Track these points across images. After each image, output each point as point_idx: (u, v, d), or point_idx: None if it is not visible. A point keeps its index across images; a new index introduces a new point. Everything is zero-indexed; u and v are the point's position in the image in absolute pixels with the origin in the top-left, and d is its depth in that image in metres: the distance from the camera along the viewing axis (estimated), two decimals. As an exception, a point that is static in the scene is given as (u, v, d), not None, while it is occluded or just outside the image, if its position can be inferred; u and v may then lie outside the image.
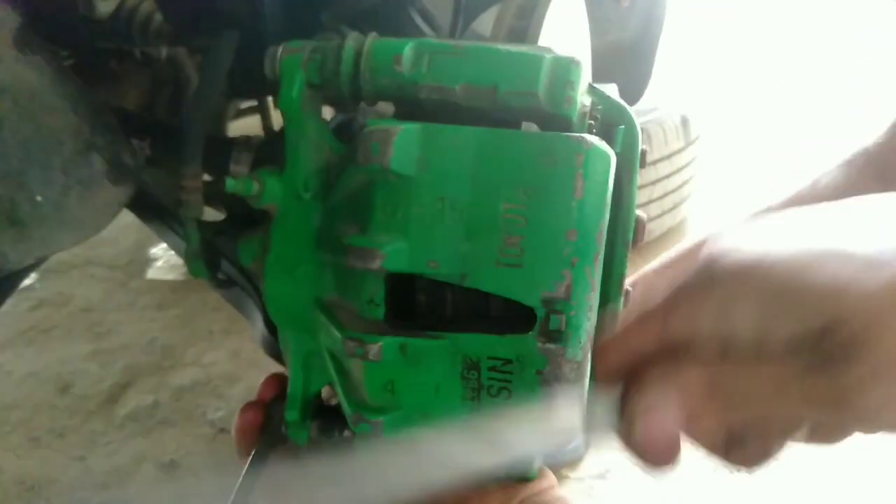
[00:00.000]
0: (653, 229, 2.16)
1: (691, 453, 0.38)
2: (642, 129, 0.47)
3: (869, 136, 0.66)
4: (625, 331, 0.41)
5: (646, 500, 1.49)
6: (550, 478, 0.45)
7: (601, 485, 1.52)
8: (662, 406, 0.37)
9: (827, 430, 0.38)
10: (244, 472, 0.46)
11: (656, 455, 0.37)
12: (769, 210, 0.69)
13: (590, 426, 0.39)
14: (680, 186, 2.20)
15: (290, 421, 0.48)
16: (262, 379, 0.51)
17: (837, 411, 0.33)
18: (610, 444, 0.39)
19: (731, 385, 0.36)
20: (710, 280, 0.36)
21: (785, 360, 0.34)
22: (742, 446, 0.38)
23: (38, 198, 0.42)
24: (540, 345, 0.39)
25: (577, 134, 0.40)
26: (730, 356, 0.35)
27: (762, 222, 0.38)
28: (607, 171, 0.40)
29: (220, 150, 0.58)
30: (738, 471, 0.40)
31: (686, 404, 0.36)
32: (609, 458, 1.57)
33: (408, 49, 0.43)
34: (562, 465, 1.54)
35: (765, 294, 0.34)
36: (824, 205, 0.37)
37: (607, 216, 0.40)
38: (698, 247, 0.72)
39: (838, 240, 0.34)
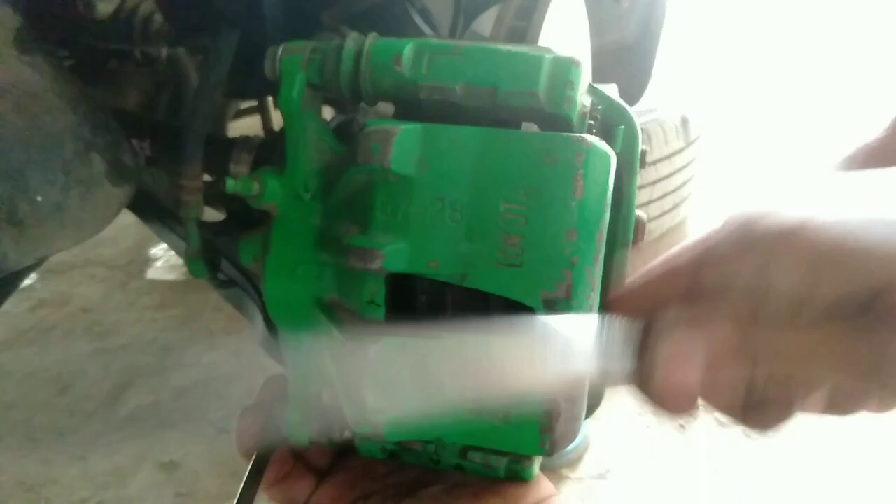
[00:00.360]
0: (653, 229, 2.16)
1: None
2: (642, 130, 0.47)
3: (870, 131, 0.66)
4: (648, 280, 0.41)
5: (645, 500, 1.49)
6: (549, 487, 0.44)
7: (601, 485, 1.52)
8: (687, 352, 0.36)
9: (847, 399, 0.37)
10: (246, 475, 0.46)
11: (675, 402, 0.37)
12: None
13: (604, 369, 0.37)
14: (680, 186, 2.20)
15: (290, 421, 0.47)
16: (262, 379, 0.51)
17: (872, 377, 0.33)
18: (623, 388, 0.38)
19: (762, 342, 0.35)
20: (747, 239, 0.36)
21: (824, 323, 0.33)
22: (760, 407, 0.37)
23: (38, 198, 0.42)
24: (540, 345, 0.39)
25: (578, 134, 0.40)
26: (763, 314, 0.35)
27: (800, 189, 0.37)
28: (607, 172, 0.40)
29: (220, 150, 0.58)
30: (753, 433, 0.40)
31: (711, 355, 0.36)
32: (609, 458, 1.57)
33: (408, 49, 0.43)
34: (562, 464, 1.54)
35: (809, 256, 0.34)
36: (862, 172, 0.37)
37: (607, 216, 0.40)
38: (691, 249, 0.73)
39: (884, 206, 0.34)
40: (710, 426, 1.63)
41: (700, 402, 0.37)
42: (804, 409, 0.37)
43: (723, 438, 1.61)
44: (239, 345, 1.78)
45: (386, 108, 0.47)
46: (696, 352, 0.36)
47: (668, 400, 0.37)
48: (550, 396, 0.39)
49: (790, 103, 3.48)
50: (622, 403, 1.52)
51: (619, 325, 0.38)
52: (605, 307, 0.41)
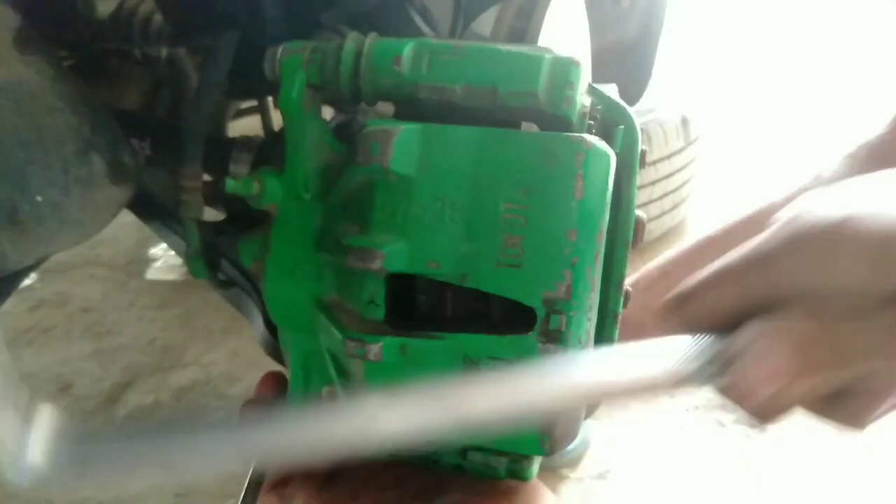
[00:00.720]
0: (653, 229, 2.16)
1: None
2: (642, 130, 0.47)
3: (871, 128, 0.66)
4: (699, 287, 0.41)
5: (645, 500, 1.50)
6: (546, 494, 0.44)
7: (601, 485, 1.52)
8: (775, 358, 0.36)
9: None
10: (248, 479, 0.46)
11: (772, 412, 0.37)
12: (773, 206, 0.69)
13: (682, 378, 0.38)
14: (680, 186, 2.20)
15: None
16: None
17: None
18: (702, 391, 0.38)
19: (836, 339, 0.35)
20: (797, 238, 0.36)
21: (892, 311, 0.34)
22: (844, 403, 0.38)
23: (38, 198, 0.42)
24: (540, 345, 0.39)
25: (577, 134, 0.40)
26: (828, 311, 0.35)
27: (828, 189, 0.38)
28: (607, 172, 0.40)
29: (220, 150, 0.58)
30: (842, 429, 0.40)
31: (801, 361, 0.36)
32: (609, 458, 1.57)
33: (407, 49, 0.43)
34: (562, 464, 1.54)
35: (869, 247, 0.34)
36: (880, 172, 0.37)
37: (607, 216, 0.40)
38: (699, 245, 0.73)
39: None
40: (709, 426, 1.64)
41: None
42: (892, 402, 0.38)
43: (723, 439, 1.61)
44: (239, 345, 1.78)
45: (386, 108, 0.47)
46: (782, 354, 0.36)
47: (767, 412, 0.37)
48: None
49: (790, 103, 3.48)
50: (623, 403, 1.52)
51: (699, 344, 0.38)
52: (657, 318, 0.41)
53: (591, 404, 0.44)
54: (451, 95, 0.42)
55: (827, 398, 0.38)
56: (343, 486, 0.46)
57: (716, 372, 0.38)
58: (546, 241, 0.39)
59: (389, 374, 0.41)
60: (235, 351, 1.77)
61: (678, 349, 0.38)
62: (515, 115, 0.42)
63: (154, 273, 2.17)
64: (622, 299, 0.47)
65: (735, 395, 0.38)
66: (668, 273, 0.71)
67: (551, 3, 0.54)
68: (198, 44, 0.68)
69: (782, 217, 0.38)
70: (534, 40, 0.49)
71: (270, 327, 0.61)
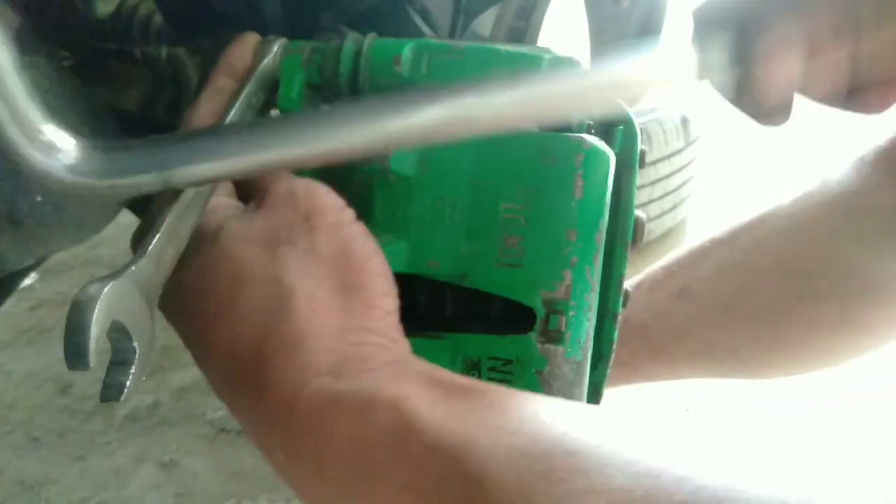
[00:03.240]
0: (653, 229, 2.15)
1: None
2: (642, 130, 0.47)
3: (880, 132, 0.66)
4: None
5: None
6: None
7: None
8: (787, 40, 0.34)
9: None
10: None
11: (776, 101, 0.36)
12: (779, 209, 0.69)
13: (697, 69, 0.36)
14: (680, 186, 2.20)
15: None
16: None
17: None
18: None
19: (862, 10, 0.34)
20: None
21: None
22: (865, 89, 0.37)
23: (38, 198, 0.42)
24: (539, 345, 0.39)
25: (577, 134, 0.40)
26: None
27: None
28: (607, 172, 0.40)
29: (220, 151, 0.58)
30: (857, 114, 0.38)
31: (812, 38, 0.34)
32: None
33: (407, 49, 0.43)
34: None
35: None
36: None
37: (607, 216, 0.40)
38: (704, 246, 0.73)
39: None
40: (709, 424, 1.63)
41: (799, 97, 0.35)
42: None
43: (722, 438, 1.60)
44: (239, 345, 1.78)
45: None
46: (796, 38, 0.34)
47: (768, 98, 0.36)
48: None
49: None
50: (622, 402, 1.52)
51: (711, 35, 0.36)
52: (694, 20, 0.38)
53: (590, 402, 0.44)
54: (451, 95, 0.42)
55: (846, 86, 0.37)
56: None
57: (730, 61, 0.36)
58: (546, 241, 0.39)
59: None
60: (235, 351, 1.77)
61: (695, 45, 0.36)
62: (515, 115, 0.42)
63: (154, 273, 2.17)
64: (622, 299, 0.47)
65: (739, 86, 0.36)
66: (674, 273, 0.71)
67: (551, 3, 0.54)
68: (198, 44, 0.68)
69: None
70: (534, 40, 0.49)
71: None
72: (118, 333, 0.32)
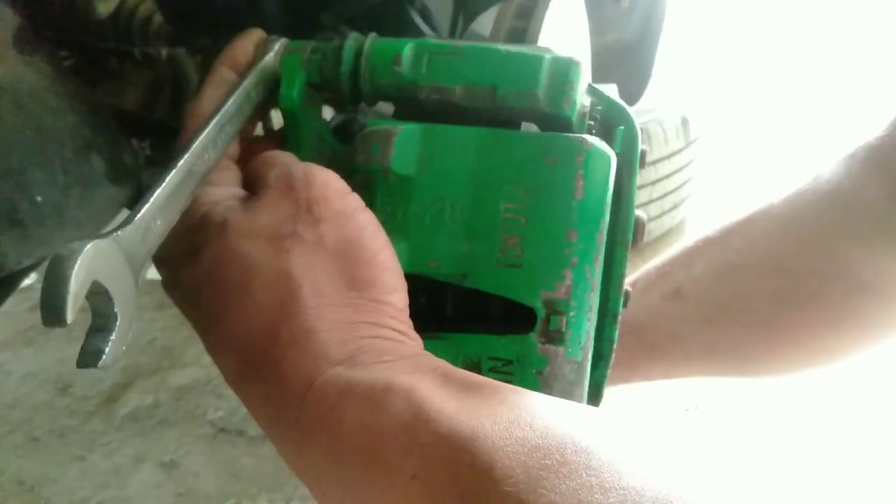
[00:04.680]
0: (653, 229, 2.16)
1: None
2: (642, 130, 0.47)
3: (870, 130, 0.66)
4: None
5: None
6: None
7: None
8: None
9: None
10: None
11: None
12: (771, 207, 0.69)
13: None
14: (680, 186, 2.20)
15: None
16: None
17: None
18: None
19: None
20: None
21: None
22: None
23: (38, 198, 0.42)
24: (540, 345, 0.39)
25: (578, 135, 0.40)
26: None
27: None
28: (607, 172, 0.40)
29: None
30: None
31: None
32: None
33: (407, 49, 0.43)
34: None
35: None
36: None
37: (607, 216, 0.40)
38: (697, 245, 0.73)
39: None
40: (709, 426, 1.64)
41: None
42: None
43: (723, 438, 1.61)
44: (239, 345, 1.78)
45: (385, 108, 0.47)
46: None
47: None
48: None
49: (790, 103, 3.48)
50: (622, 401, 1.52)
51: None
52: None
53: (590, 404, 0.44)
54: (451, 95, 0.42)
55: None
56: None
57: None
58: (546, 241, 0.39)
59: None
60: (235, 351, 1.77)
61: None
62: (515, 115, 0.42)
63: (154, 273, 2.17)
64: (622, 299, 0.47)
65: None
66: (668, 274, 0.71)
67: (551, 3, 0.54)
68: (198, 44, 0.68)
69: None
70: (534, 40, 0.49)
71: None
72: (99, 297, 0.30)
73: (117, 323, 0.31)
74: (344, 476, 0.33)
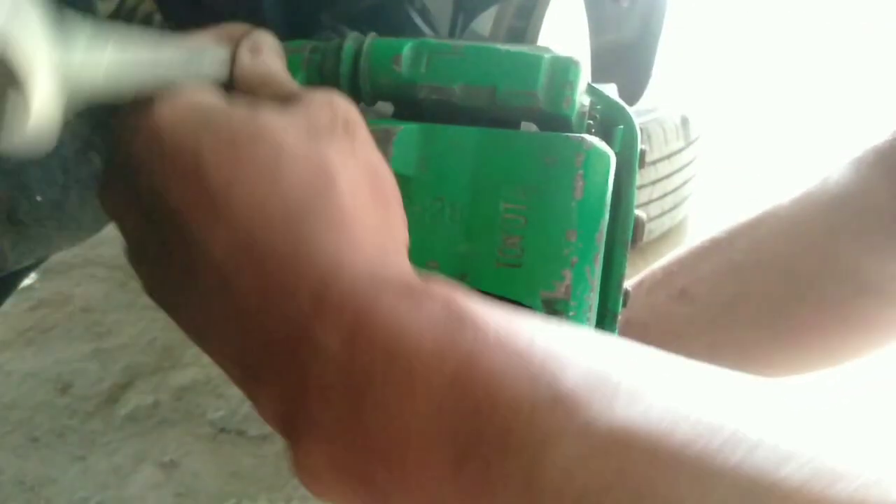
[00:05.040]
0: (653, 229, 2.16)
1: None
2: (642, 130, 0.47)
3: (879, 133, 0.66)
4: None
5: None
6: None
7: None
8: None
9: None
10: None
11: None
12: (778, 208, 0.69)
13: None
14: (680, 186, 2.20)
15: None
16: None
17: None
18: None
19: None
20: None
21: None
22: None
23: (38, 198, 0.42)
24: (539, 345, 0.39)
25: (577, 134, 0.40)
26: None
27: None
28: (607, 172, 0.40)
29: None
30: None
31: None
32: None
33: (407, 49, 0.43)
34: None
35: None
36: None
37: (607, 216, 0.40)
38: (704, 246, 0.73)
39: None
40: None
41: None
42: None
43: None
44: (239, 345, 1.78)
45: (385, 107, 0.47)
46: None
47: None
48: None
49: (792, 103, 3.48)
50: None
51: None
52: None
53: None
54: (450, 95, 0.42)
55: None
56: None
57: None
58: (546, 241, 0.39)
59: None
60: (235, 351, 1.77)
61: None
62: (515, 115, 0.42)
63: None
64: (622, 299, 0.47)
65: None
66: (674, 274, 0.71)
67: (551, 3, 0.54)
68: (197, 44, 0.68)
69: None
70: (534, 40, 0.49)
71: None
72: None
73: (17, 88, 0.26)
74: (364, 370, 0.30)
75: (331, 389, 0.31)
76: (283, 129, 0.35)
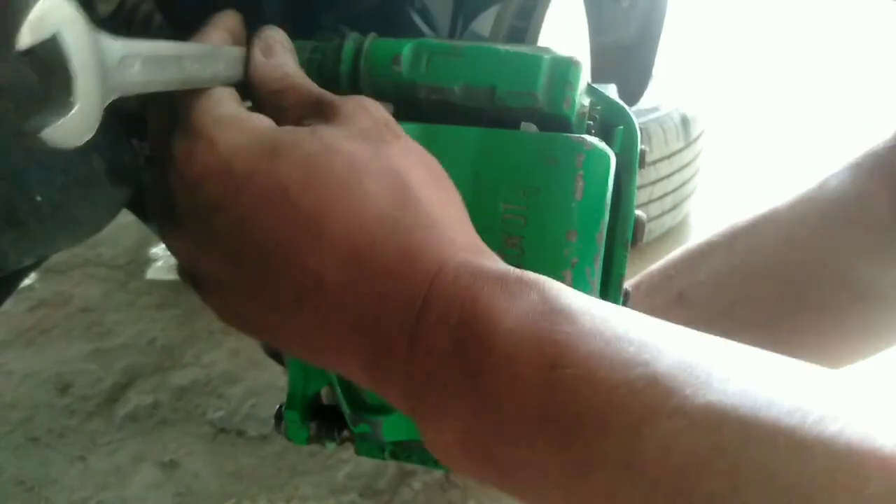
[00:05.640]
0: (653, 229, 2.15)
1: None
2: (642, 130, 0.47)
3: (878, 137, 0.66)
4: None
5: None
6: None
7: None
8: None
9: None
10: None
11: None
12: (776, 210, 0.69)
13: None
14: (680, 186, 2.20)
15: (289, 421, 0.48)
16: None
17: None
18: None
19: None
20: None
21: None
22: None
23: (38, 198, 0.42)
24: (539, 345, 0.39)
25: (577, 135, 0.40)
26: None
27: None
28: (607, 172, 0.40)
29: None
30: None
31: None
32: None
33: (407, 49, 0.43)
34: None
35: None
36: None
37: (607, 216, 0.40)
38: (702, 247, 0.73)
39: None
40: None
41: None
42: None
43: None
44: (239, 345, 1.78)
45: (385, 108, 0.47)
46: None
47: None
48: None
49: (793, 103, 3.48)
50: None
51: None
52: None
53: None
54: (450, 95, 0.42)
55: None
56: None
57: None
58: (546, 241, 0.39)
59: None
60: (235, 351, 1.77)
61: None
62: (515, 115, 0.42)
63: (154, 273, 2.17)
64: (622, 300, 0.47)
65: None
66: (671, 278, 0.71)
67: (551, 3, 0.54)
68: (198, 44, 0.68)
69: None
70: (534, 40, 0.49)
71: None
72: (49, 51, 0.25)
73: (71, 85, 0.26)
74: (475, 362, 0.32)
75: (448, 378, 0.32)
76: (346, 144, 0.36)
